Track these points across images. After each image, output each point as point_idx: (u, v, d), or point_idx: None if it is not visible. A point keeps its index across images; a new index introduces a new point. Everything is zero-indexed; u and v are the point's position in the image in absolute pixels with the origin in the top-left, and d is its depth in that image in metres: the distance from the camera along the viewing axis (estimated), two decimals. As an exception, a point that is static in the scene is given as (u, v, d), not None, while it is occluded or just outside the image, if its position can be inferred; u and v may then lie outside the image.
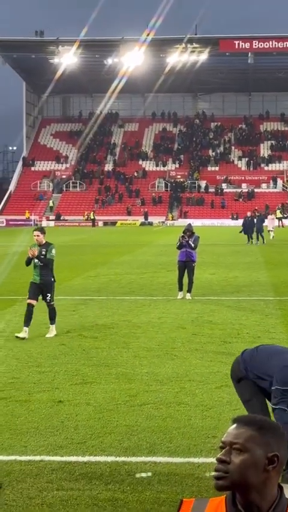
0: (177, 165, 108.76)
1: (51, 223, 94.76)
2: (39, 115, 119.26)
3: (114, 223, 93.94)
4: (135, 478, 7.67)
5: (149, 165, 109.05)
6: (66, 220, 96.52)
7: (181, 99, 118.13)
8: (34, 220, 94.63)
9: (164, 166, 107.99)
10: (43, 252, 16.10)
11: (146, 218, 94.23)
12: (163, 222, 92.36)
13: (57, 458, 8.25)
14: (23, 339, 15.51)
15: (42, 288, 16.22)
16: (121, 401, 10.57)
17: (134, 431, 9.14)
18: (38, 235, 16.31)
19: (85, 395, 10.94)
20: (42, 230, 16.74)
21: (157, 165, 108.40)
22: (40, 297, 16.29)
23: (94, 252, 42.78)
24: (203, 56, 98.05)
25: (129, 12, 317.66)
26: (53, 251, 16.27)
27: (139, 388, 11.32)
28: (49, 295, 16.24)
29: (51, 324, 16.31)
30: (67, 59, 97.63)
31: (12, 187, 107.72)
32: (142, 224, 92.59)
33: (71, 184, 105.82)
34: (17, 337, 15.50)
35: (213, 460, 8.10)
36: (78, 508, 6.95)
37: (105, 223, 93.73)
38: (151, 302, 21.52)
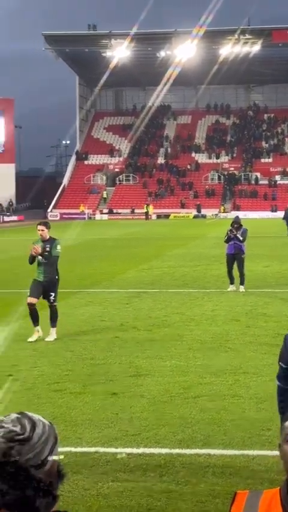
0: (230, 157, 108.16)
1: (105, 217, 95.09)
2: (92, 108, 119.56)
3: (167, 216, 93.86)
4: (189, 470, 7.68)
5: (201, 158, 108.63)
6: (120, 213, 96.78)
7: (234, 91, 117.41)
8: (88, 213, 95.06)
9: (217, 158, 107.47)
10: (47, 248, 14.96)
11: (199, 211, 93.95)
12: (216, 215, 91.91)
13: (112, 449, 8.30)
14: (37, 339, 14.85)
15: (46, 286, 15.11)
16: (175, 393, 10.58)
17: (188, 424, 9.14)
18: (42, 230, 15.07)
19: (139, 387, 10.98)
20: (47, 224, 15.44)
21: (210, 158, 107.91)
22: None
23: (147, 245, 42.83)
24: (256, 47, 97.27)
25: (181, 4, 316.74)
26: (58, 247, 15.09)
27: (193, 380, 11.32)
28: (53, 294, 15.14)
29: (52, 326, 15.14)
30: (120, 52, 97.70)
31: (65, 181, 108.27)
32: (195, 217, 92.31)
33: (124, 178, 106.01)
34: (29, 342, 14.71)
35: (267, 452, 8.08)
36: (133, 499, 6.99)
37: (159, 216, 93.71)
38: (204, 295, 21.48)
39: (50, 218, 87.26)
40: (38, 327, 15.01)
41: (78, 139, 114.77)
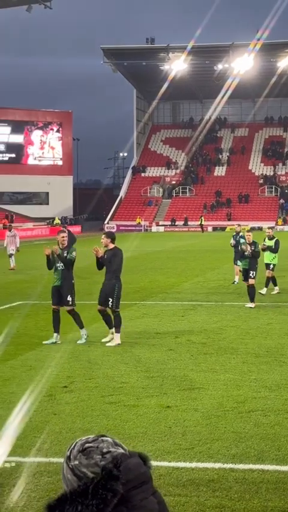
0: (287, 170, 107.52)
1: (161, 229, 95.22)
2: (149, 121, 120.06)
3: (223, 228, 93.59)
4: (242, 486, 7.62)
5: (258, 170, 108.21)
6: (176, 225, 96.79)
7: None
8: (144, 225, 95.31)
9: (273, 171, 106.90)
10: (64, 254, 15.78)
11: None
12: (272, 228, 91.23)
13: (165, 463, 8.28)
14: (54, 343, 15.69)
15: (61, 291, 15.85)
16: (229, 407, 10.52)
17: (242, 438, 9.08)
18: (64, 238, 15.97)
19: (193, 401, 10.94)
20: (69, 232, 16.36)
21: (267, 171, 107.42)
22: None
23: (203, 257, 42.75)
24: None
25: (239, 17, 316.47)
26: (74, 253, 15.89)
27: (247, 394, 11.25)
28: (70, 297, 15.87)
29: (81, 328, 15.92)
30: (177, 66, 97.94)
31: (122, 193, 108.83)
32: (251, 229, 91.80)
33: (180, 190, 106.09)
34: (44, 343, 15.67)
35: None
36: (185, 513, 6.96)
37: (214, 228, 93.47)
38: (260, 308, 21.34)
39: (107, 230, 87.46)
40: (56, 335, 15.89)
41: (136, 152, 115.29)
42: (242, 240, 26.87)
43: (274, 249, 24.24)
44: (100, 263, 16.01)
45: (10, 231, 37.18)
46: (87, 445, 2.21)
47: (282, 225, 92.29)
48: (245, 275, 22.03)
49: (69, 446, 2.26)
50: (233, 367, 13.23)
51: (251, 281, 21.70)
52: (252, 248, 21.69)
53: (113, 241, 16.01)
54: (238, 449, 8.71)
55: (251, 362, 13.67)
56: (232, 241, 27.10)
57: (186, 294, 25.00)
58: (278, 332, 17.13)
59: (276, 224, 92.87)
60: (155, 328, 17.97)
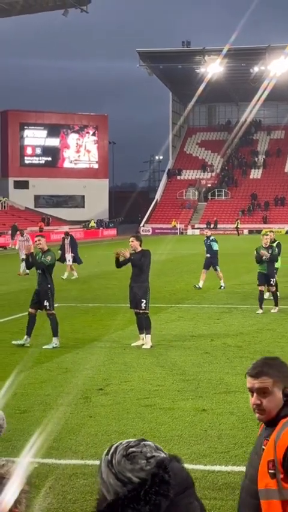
0: None
1: (196, 232, 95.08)
2: (184, 124, 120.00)
3: (259, 231, 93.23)
4: (278, 490, 7.57)
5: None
6: (212, 228, 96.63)
7: None
8: (180, 228, 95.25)
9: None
10: (43, 258, 16.00)
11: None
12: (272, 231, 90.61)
13: (201, 467, 8.26)
14: (23, 345, 15.83)
15: (39, 295, 16.06)
16: (265, 411, 10.44)
17: (278, 443, 9.01)
18: (39, 241, 16.21)
19: (229, 404, 10.91)
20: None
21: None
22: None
23: (238, 260, 42.56)
24: None
25: (276, 18, 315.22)
26: (48, 257, 15.99)
27: (283, 398, 11.16)
28: (46, 302, 15.98)
29: (54, 336, 15.95)
30: (213, 68, 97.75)
31: (158, 196, 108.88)
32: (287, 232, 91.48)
33: (216, 193, 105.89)
34: (13, 343, 15.99)
35: None
36: (220, 517, 6.93)
37: (250, 231, 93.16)
38: (296, 311, 21.21)
39: (142, 233, 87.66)
40: (27, 337, 15.98)
41: (171, 155, 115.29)
42: (214, 245, 26.79)
43: (275, 256, 22.23)
44: (121, 263, 16.12)
45: (22, 235, 36.38)
46: (131, 449, 2.20)
47: None
48: (264, 280, 21.62)
49: (108, 450, 2.24)
50: (269, 371, 13.14)
51: (271, 288, 21.55)
52: (270, 252, 21.37)
53: (141, 244, 16.08)
54: (274, 453, 8.64)
55: (287, 366, 13.57)
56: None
57: (222, 297, 24.93)
58: (315, 336, 17.01)
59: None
60: (191, 331, 17.95)
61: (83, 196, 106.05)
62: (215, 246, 27.98)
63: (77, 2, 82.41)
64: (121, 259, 16.01)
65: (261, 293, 21.46)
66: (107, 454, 2.23)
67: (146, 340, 15.76)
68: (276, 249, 22.44)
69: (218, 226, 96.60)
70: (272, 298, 21.84)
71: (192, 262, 40.69)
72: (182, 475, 2.18)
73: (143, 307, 15.79)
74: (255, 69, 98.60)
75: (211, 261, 27.72)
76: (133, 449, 2.20)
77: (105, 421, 10.10)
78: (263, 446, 3.71)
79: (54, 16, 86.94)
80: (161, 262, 35.32)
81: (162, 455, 2.20)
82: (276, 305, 21.45)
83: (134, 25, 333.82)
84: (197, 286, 27.25)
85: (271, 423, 3.73)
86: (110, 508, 2.13)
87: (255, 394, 3.78)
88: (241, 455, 8.60)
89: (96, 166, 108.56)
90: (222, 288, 27.32)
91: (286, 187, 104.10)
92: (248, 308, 21.99)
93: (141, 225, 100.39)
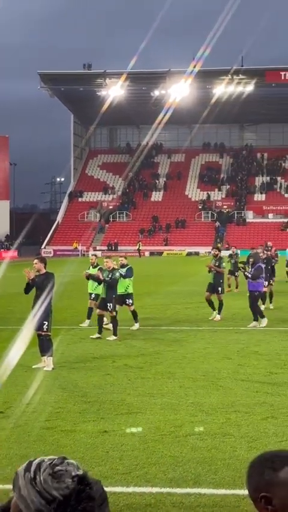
0: (223, 196, 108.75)
1: (99, 253, 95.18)
2: (86, 146, 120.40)
3: (160, 253, 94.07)
4: (180, 510, 7.64)
5: (195, 196, 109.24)
6: (113, 250, 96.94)
7: (228, 130, 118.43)
8: (81, 250, 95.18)
9: (209, 197, 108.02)
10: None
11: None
12: (209, 252, 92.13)
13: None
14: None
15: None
16: (166, 431, 10.54)
17: (179, 462, 9.10)
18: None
19: (130, 425, 10.93)
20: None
21: (203, 196, 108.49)
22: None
23: (140, 282, 42.80)
24: (250, 87, 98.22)
25: (175, 44, 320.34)
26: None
27: (184, 418, 11.29)
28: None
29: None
30: (114, 91, 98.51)
31: (59, 217, 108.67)
32: (188, 254, 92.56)
33: (117, 215, 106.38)
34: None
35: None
36: (122, 538, 6.93)
37: (152, 253, 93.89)
38: (197, 332, 21.48)
39: (43, 255, 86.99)
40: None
41: (73, 177, 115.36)
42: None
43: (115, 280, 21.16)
44: (29, 287, 16.03)
45: None
46: (57, 468, 2.23)
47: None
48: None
49: (28, 467, 2.26)
50: (170, 391, 13.27)
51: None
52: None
53: (45, 266, 16.04)
54: (175, 473, 8.72)
55: (188, 386, 13.73)
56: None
57: (124, 319, 24.98)
58: (215, 356, 17.25)
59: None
60: (92, 352, 17.94)
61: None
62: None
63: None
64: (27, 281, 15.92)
65: None
66: (28, 471, 2.24)
67: (47, 362, 15.71)
68: (125, 272, 22.00)
69: (120, 248, 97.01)
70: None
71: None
72: (99, 489, 2.25)
73: (44, 329, 15.73)
74: (156, 92, 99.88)
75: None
76: (59, 467, 2.23)
77: (6, 445, 9.98)
78: None
79: None
80: (64, 284, 35.15)
81: (81, 472, 2.25)
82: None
83: (35, 47, 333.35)
84: None
85: None
86: None
87: None
88: (142, 476, 8.63)
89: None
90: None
91: (186, 210, 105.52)
92: (149, 329, 22.14)
93: (43, 246, 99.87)
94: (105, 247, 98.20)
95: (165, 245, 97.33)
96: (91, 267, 23.33)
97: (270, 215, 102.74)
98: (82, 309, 27.85)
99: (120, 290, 21.67)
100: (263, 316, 22.71)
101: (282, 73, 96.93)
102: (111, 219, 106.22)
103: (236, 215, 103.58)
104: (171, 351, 18.14)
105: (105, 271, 20.94)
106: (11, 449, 9.76)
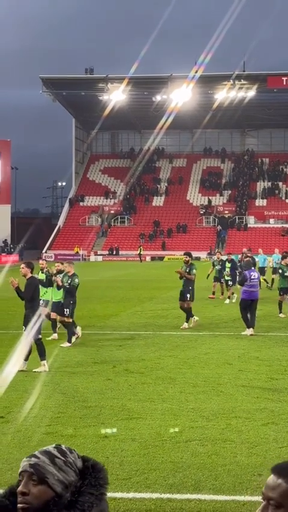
0: (224, 201, 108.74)
1: (99, 258, 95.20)
2: (88, 151, 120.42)
3: (161, 258, 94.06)
4: (179, 515, 7.62)
5: (196, 201, 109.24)
6: (114, 254, 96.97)
7: (229, 135, 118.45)
8: (82, 255, 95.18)
9: (211, 202, 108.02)
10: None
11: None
12: (210, 257, 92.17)
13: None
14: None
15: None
16: (166, 437, 10.53)
17: (179, 468, 9.10)
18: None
19: (131, 430, 10.93)
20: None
21: (204, 201, 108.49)
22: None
23: (141, 287, 42.83)
24: (251, 92, 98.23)
25: (177, 49, 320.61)
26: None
27: (185, 424, 11.28)
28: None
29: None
30: (116, 96, 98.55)
31: (61, 222, 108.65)
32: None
33: (119, 219, 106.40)
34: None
35: (258, 498, 8.03)
36: None
37: (153, 258, 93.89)
38: (197, 337, 21.47)
39: (46, 259, 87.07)
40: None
41: (74, 181, 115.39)
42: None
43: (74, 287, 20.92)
44: (19, 294, 16.23)
45: None
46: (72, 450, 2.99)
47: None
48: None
49: (51, 457, 2.89)
50: (170, 397, 13.26)
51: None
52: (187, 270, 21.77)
53: (31, 271, 16.18)
54: (175, 479, 8.72)
55: (188, 391, 13.73)
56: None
57: (124, 324, 25.00)
58: (216, 361, 17.25)
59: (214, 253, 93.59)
60: (93, 357, 17.94)
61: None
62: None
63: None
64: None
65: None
66: (52, 459, 2.87)
67: (41, 365, 15.95)
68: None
69: (120, 253, 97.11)
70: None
71: (95, 289, 40.71)
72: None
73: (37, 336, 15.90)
74: (158, 97, 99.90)
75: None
76: (70, 450, 3.00)
77: (6, 449, 9.97)
78: None
79: None
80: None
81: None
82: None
83: (37, 51, 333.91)
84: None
85: None
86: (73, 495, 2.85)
87: None
88: (143, 481, 8.63)
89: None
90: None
91: (188, 215, 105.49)
92: (150, 334, 22.13)
93: (44, 251, 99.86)
94: (107, 252, 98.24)
95: (163, 249, 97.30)
96: (40, 272, 22.20)
97: (272, 220, 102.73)
98: (81, 314, 27.90)
99: (56, 297, 21.58)
100: (249, 327, 22.38)
101: (284, 78, 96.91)
102: (112, 224, 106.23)
103: (237, 220, 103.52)
104: (172, 356, 18.14)
105: (65, 275, 20.81)
106: (12, 454, 9.76)
